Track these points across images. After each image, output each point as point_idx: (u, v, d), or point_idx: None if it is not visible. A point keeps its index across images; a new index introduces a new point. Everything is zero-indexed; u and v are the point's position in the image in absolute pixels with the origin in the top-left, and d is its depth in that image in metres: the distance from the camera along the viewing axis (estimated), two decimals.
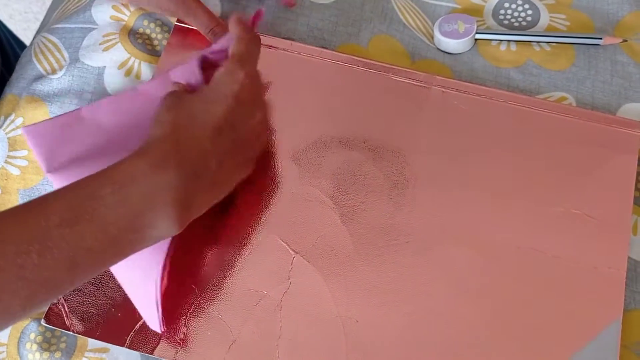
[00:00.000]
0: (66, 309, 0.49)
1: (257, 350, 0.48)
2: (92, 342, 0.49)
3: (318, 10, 0.61)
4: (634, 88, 0.57)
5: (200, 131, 0.43)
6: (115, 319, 0.48)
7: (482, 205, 0.52)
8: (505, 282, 0.49)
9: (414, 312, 0.49)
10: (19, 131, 0.56)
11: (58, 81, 0.58)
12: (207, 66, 0.49)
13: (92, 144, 0.47)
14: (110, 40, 0.59)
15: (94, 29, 0.60)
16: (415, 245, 0.50)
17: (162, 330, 0.47)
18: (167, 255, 0.46)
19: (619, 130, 0.54)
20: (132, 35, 0.59)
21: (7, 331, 0.50)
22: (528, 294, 0.49)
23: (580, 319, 0.48)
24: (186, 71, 0.48)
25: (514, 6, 0.61)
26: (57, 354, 0.49)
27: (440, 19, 0.59)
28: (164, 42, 0.59)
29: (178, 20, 0.59)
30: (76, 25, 0.60)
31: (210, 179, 0.43)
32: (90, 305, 0.49)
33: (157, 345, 0.48)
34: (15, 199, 0.54)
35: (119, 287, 0.49)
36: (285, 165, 0.53)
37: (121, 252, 0.40)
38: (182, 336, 0.48)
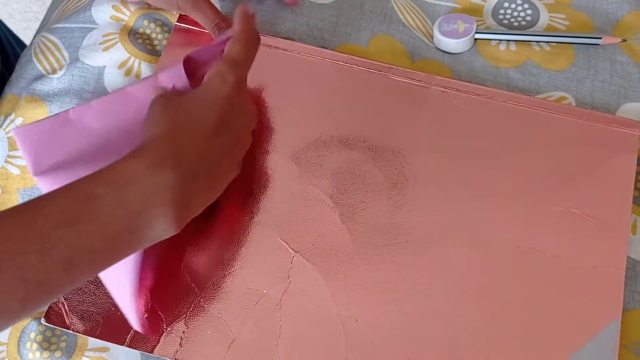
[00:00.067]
0: (66, 308, 0.49)
1: (257, 349, 0.48)
2: (93, 341, 0.49)
3: (318, 10, 0.61)
4: (633, 88, 0.57)
5: (198, 131, 0.43)
6: (115, 318, 0.48)
7: (481, 204, 0.52)
8: (504, 282, 0.49)
9: (413, 311, 0.49)
10: None
11: (58, 81, 0.58)
12: (197, 67, 0.49)
13: (80, 146, 0.47)
14: (110, 40, 0.59)
15: (94, 28, 0.60)
16: (415, 244, 0.50)
17: (142, 329, 0.47)
18: (145, 253, 0.46)
19: (618, 130, 0.54)
20: (132, 35, 0.59)
21: (7, 330, 0.50)
22: (527, 293, 0.49)
23: (580, 318, 0.48)
24: (173, 75, 0.48)
25: (513, 6, 0.61)
26: (58, 353, 0.49)
27: (439, 18, 0.59)
28: (164, 42, 0.59)
29: (179, 20, 0.59)
30: (76, 25, 0.60)
31: (208, 179, 0.43)
32: (90, 304, 0.49)
33: (157, 344, 0.48)
34: (15, 199, 0.54)
35: None
36: (285, 165, 0.53)
37: (119, 252, 0.40)
38: (181, 335, 0.48)
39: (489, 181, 0.52)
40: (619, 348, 0.47)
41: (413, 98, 0.55)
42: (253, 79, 0.56)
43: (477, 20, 0.60)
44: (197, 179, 0.42)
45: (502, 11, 0.61)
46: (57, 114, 0.48)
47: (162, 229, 0.41)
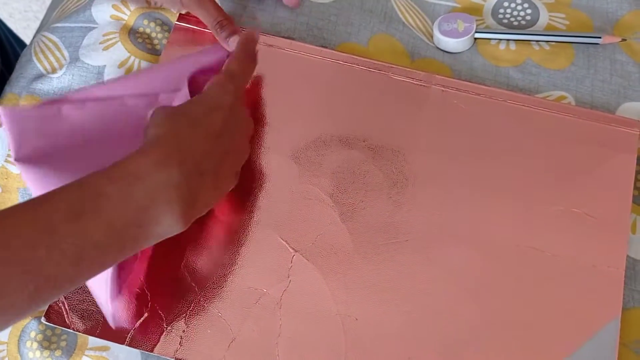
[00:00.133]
0: (66, 307, 0.49)
1: (257, 348, 0.48)
2: (93, 341, 0.49)
3: (318, 9, 0.61)
4: (633, 87, 0.57)
5: (201, 132, 0.44)
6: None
7: (481, 203, 0.52)
8: (504, 281, 0.50)
9: (413, 310, 0.49)
10: None
11: (58, 80, 0.58)
12: (197, 87, 0.49)
13: (67, 142, 0.47)
14: (111, 39, 0.59)
15: (94, 28, 0.60)
16: (415, 243, 0.51)
17: (114, 325, 0.47)
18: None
19: (618, 129, 0.54)
20: (132, 34, 0.59)
21: (7, 329, 0.50)
22: (527, 292, 0.49)
23: (579, 317, 0.48)
24: (175, 97, 0.49)
25: (513, 5, 0.61)
26: (58, 353, 0.49)
27: (439, 18, 0.59)
28: (164, 41, 0.59)
29: (179, 19, 0.59)
30: (76, 25, 0.60)
31: (213, 177, 0.44)
32: (90, 303, 0.49)
33: (157, 343, 0.48)
34: (16, 198, 0.54)
35: None
36: (285, 164, 0.53)
37: (127, 248, 0.40)
38: (181, 334, 0.48)
39: (489, 180, 0.52)
40: (619, 347, 0.47)
41: (413, 97, 0.55)
42: (252, 78, 0.56)
43: (477, 20, 0.60)
44: (203, 176, 0.43)
45: (502, 10, 0.61)
46: (50, 103, 0.48)
47: (169, 225, 0.41)
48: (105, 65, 0.58)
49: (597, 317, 0.48)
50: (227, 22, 0.55)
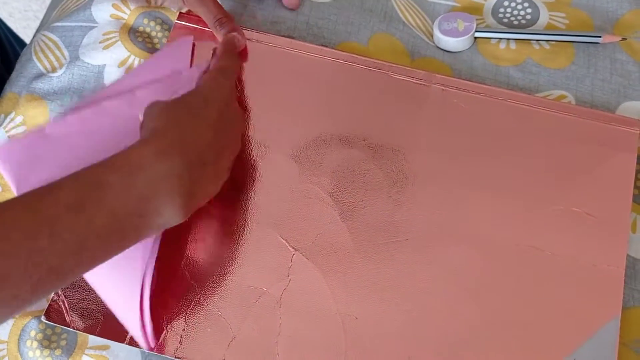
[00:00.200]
0: (66, 306, 0.49)
1: (257, 346, 0.48)
2: (93, 340, 0.49)
3: (318, 8, 0.61)
4: (633, 86, 0.57)
5: (202, 123, 0.44)
6: (115, 316, 0.48)
7: (481, 203, 0.52)
8: (504, 280, 0.50)
9: (413, 309, 0.49)
10: (19, 129, 0.56)
11: (58, 79, 0.58)
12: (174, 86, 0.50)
13: (61, 161, 0.47)
14: (110, 38, 0.59)
15: (94, 27, 0.60)
16: (415, 242, 0.51)
17: (152, 346, 0.47)
18: (148, 272, 0.45)
19: (618, 129, 0.54)
20: (132, 33, 0.59)
21: (7, 329, 0.50)
22: (527, 292, 0.49)
23: (579, 316, 0.48)
24: (152, 92, 0.49)
25: (513, 4, 0.61)
26: (58, 352, 0.49)
27: (439, 17, 0.59)
28: (164, 40, 0.59)
29: (178, 18, 0.59)
30: (76, 24, 0.60)
31: (213, 168, 0.44)
32: (90, 301, 0.49)
33: (157, 341, 0.48)
34: None
35: None
36: (285, 163, 0.53)
37: (128, 238, 0.40)
38: (181, 333, 0.48)
39: (489, 179, 0.52)
40: (619, 346, 0.47)
41: (413, 96, 0.55)
42: (253, 77, 0.56)
43: (477, 19, 0.60)
44: (205, 166, 0.43)
45: (502, 10, 0.61)
46: (33, 130, 0.48)
47: (170, 215, 0.41)
48: (105, 65, 0.58)
49: (597, 316, 0.48)
50: (227, 20, 0.55)
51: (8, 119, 0.57)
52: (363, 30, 0.60)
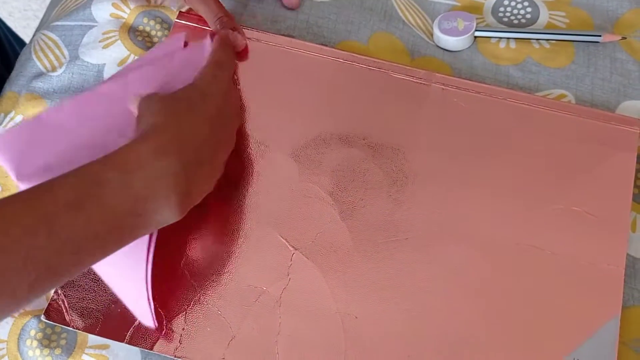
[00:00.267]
0: (66, 305, 0.49)
1: (257, 346, 0.48)
2: (92, 339, 0.49)
3: (318, 7, 0.61)
4: (633, 85, 0.57)
5: (200, 119, 0.44)
6: (115, 315, 0.48)
7: (481, 202, 0.52)
8: (504, 279, 0.50)
9: (413, 308, 0.49)
10: None
11: (58, 78, 0.58)
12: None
13: (59, 148, 0.47)
14: (110, 37, 0.59)
15: (93, 26, 0.60)
16: (415, 241, 0.51)
17: (155, 325, 0.47)
18: (151, 250, 0.46)
19: (618, 128, 0.54)
20: (132, 32, 0.59)
21: (7, 328, 0.50)
22: (527, 291, 0.49)
23: (579, 315, 0.48)
24: (143, 75, 0.49)
25: (513, 3, 0.61)
26: (57, 351, 0.49)
27: (439, 16, 0.59)
28: (164, 39, 0.59)
29: (178, 17, 0.59)
30: (76, 23, 0.60)
31: (209, 166, 0.44)
32: (90, 301, 0.49)
33: (157, 341, 0.48)
34: None
35: None
36: (284, 162, 0.53)
37: (126, 236, 0.40)
38: (181, 332, 0.48)
39: (489, 179, 0.52)
40: (619, 345, 0.47)
41: (413, 96, 0.55)
42: (253, 76, 0.56)
43: (477, 18, 0.60)
44: (201, 165, 0.43)
45: (502, 9, 0.61)
46: (30, 118, 0.49)
47: (167, 214, 0.41)
48: (105, 64, 0.58)
49: (597, 315, 0.48)
50: (228, 19, 0.55)
51: (8, 118, 0.57)
52: (363, 29, 0.60)
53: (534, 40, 0.59)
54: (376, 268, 0.50)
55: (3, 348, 0.50)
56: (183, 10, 0.59)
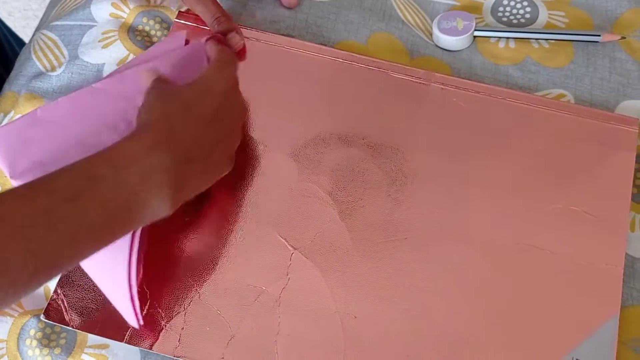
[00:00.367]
0: (65, 305, 0.49)
1: (256, 345, 0.48)
2: (92, 338, 0.50)
3: (317, 7, 0.61)
4: (632, 85, 0.57)
5: (192, 118, 0.45)
6: (114, 315, 0.48)
7: (480, 201, 0.52)
8: (503, 279, 0.50)
9: (412, 308, 0.49)
10: None
11: (57, 78, 0.58)
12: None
13: (54, 144, 0.47)
14: (110, 37, 0.59)
15: (93, 26, 0.60)
16: (414, 241, 0.51)
17: (139, 324, 0.47)
18: (134, 248, 0.46)
19: (617, 127, 0.54)
20: (132, 32, 0.59)
21: (6, 327, 0.50)
22: (526, 291, 0.49)
23: (578, 315, 0.48)
24: (139, 72, 0.49)
25: (512, 3, 0.61)
26: (57, 350, 0.49)
27: (439, 16, 0.59)
28: (163, 39, 0.59)
29: (178, 17, 0.59)
30: (75, 23, 0.60)
31: (201, 164, 0.45)
32: (89, 300, 0.49)
33: (156, 340, 0.48)
34: None
35: None
36: (284, 162, 0.53)
37: (119, 229, 0.41)
38: (180, 331, 0.48)
39: (488, 178, 0.52)
40: (617, 345, 0.47)
41: (412, 95, 0.55)
42: (252, 76, 0.56)
43: (476, 18, 0.60)
44: (191, 162, 0.44)
45: (501, 9, 0.61)
46: (25, 114, 0.49)
47: (158, 208, 0.42)
48: (104, 64, 0.58)
49: (596, 314, 0.48)
50: (225, 19, 0.55)
51: (7, 118, 0.57)
52: (362, 29, 0.60)
53: (533, 40, 0.59)
54: (375, 268, 0.50)
55: (3, 347, 0.50)
56: (182, 10, 0.59)
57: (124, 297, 0.46)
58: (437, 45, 0.59)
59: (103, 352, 0.49)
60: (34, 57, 0.60)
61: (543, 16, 0.60)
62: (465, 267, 0.50)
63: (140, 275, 0.49)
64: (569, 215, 0.51)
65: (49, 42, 0.60)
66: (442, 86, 0.55)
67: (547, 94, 0.57)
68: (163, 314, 0.49)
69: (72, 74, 0.58)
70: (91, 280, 0.49)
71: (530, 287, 0.49)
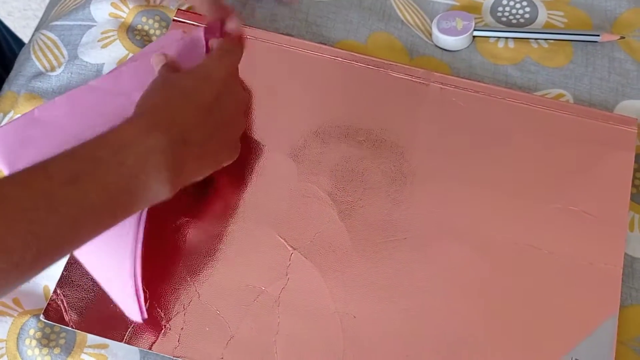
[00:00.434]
0: (65, 305, 0.49)
1: (255, 345, 0.48)
2: (91, 338, 0.50)
3: (316, 6, 0.61)
4: (631, 85, 0.57)
5: (191, 105, 0.45)
6: (114, 315, 0.48)
7: (479, 201, 0.52)
8: (502, 279, 0.50)
9: (411, 308, 0.49)
10: None
11: (57, 78, 0.58)
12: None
13: (52, 143, 0.47)
14: (109, 37, 0.59)
15: (92, 26, 0.60)
16: (413, 241, 0.51)
17: (144, 318, 0.48)
18: (139, 239, 0.46)
19: (616, 127, 0.54)
20: (131, 32, 0.59)
21: (6, 327, 0.50)
22: (525, 290, 0.49)
23: (577, 314, 0.48)
24: (138, 67, 0.49)
25: (512, 3, 0.61)
26: (56, 350, 0.49)
27: (438, 16, 0.59)
28: (160, 37, 0.59)
29: (177, 15, 0.59)
30: (75, 23, 0.60)
31: (199, 150, 0.45)
32: (89, 300, 0.49)
33: (156, 340, 0.48)
34: None
35: None
36: (283, 162, 0.53)
37: (120, 211, 0.41)
38: (180, 331, 0.48)
39: (487, 178, 0.53)
40: (617, 345, 0.47)
41: (412, 95, 0.55)
42: (251, 75, 0.56)
43: (475, 18, 0.60)
44: (188, 145, 0.44)
45: (500, 8, 0.61)
46: (23, 114, 0.49)
47: (158, 189, 0.42)
48: (104, 63, 0.58)
49: (595, 314, 0.48)
50: (220, 7, 0.54)
51: (7, 118, 0.57)
52: (362, 28, 0.60)
53: (533, 40, 0.59)
54: (374, 268, 0.50)
55: (2, 347, 0.50)
56: (183, 8, 0.59)
57: (128, 290, 0.46)
58: (436, 45, 0.59)
59: (102, 352, 0.49)
60: (33, 57, 0.60)
61: (542, 16, 0.60)
62: (465, 267, 0.50)
63: (141, 276, 0.49)
64: (568, 215, 0.51)
65: (49, 42, 0.60)
66: (441, 86, 0.56)
67: (546, 94, 0.57)
68: (162, 314, 0.49)
69: (71, 74, 0.58)
70: (91, 281, 0.49)
71: (530, 287, 0.49)
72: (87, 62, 0.58)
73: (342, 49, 0.57)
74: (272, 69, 0.56)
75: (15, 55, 0.63)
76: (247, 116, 0.53)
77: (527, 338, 0.48)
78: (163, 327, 0.48)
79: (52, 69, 0.59)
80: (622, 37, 0.59)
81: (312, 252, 0.50)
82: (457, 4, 0.61)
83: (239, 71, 0.52)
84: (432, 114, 0.55)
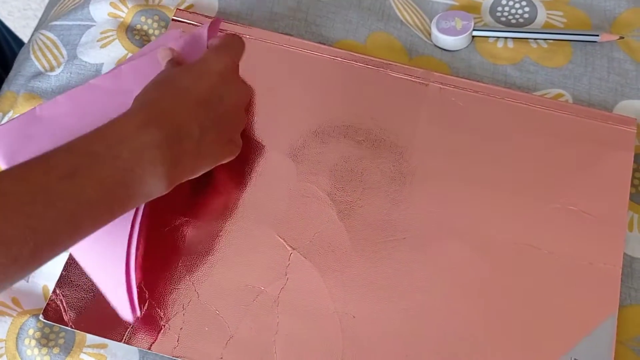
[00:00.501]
0: (64, 305, 0.49)
1: (254, 345, 0.48)
2: (91, 338, 0.50)
3: (316, 6, 0.61)
4: (630, 85, 0.57)
5: (186, 101, 0.45)
6: (113, 315, 0.48)
7: (478, 201, 0.52)
8: (501, 278, 0.50)
9: (411, 308, 0.49)
10: None
11: (56, 78, 0.58)
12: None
13: (52, 142, 0.48)
14: (108, 37, 0.59)
15: (92, 26, 0.60)
16: (412, 241, 0.51)
17: (136, 316, 0.48)
18: (133, 237, 0.46)
19: (615, 127, 0.54)
20: (130, 31, 0.59)
21: (5, 327, 0.50)
22: (524, 290, 0.49)
23: (576, 314, 0.48)
24: (138, 65, 0.50)
25: (511, 3, 0.61)
26: (56, 350, 0.49)
27: (437, 15, 0.59)
28: (159, 36, 0.59)
29: (176, 15, 0.59)
30: (74, 22, 0.60)
31: (195, 145, 0.45)
32: (88, 300, 0.49)
33: (155, 340, 0.48)
34: None
35: None
36: (282, 162, 0.53)
37: (117, 207, 0.41)
38: (179, 331, 0.48)
39: (486, 178, 0.53)
40: (616, 344, 0.48)
41: (411, 95, 0.55)
42: (250, 74, 0.56)
43: (474, 18, 0.60)
44: (184, 140, 0.44)
45: (499, 8, 0.61)
46: (24, 112, 0.49)
47: (154, 184, 0.42)
48: (103, 63, 0.58)
49: (594, 314, 0.48)
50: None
51: (6, 118, 0.57)
52: (361, 28, 0.60)
53: (532, 40, 0.59)
54: (374, 268, 0.50)
55: (2, 347, 0.50)
56: (180, 8, 0.59)
57: (120, 289, 0.46)
58: (435, 45, 0.60)
59: (102, 351, 0.49)
60: (32, 57, 0.60)
61: (541, 16, 0.60)
62: (464, 267, 0.50)
63: (140, 276, 0.49)
64: (567, 215, 0.51)
65: (48, 42, 0.60)
66: (440, 86, 0.56)
67: (546, 94, 0.57)
68: (162, 314, 0.49)
69: (70, 73, 0.58)
70: (90, 281, 0.49)
71: (529, 287, 0.49)
72: (86, 62, 0.58)
73: (341, 49, 0.57)
74: (272, 68, 0.56)
75: (15, 55, 0.63)
76: (248, 112, 0.53)
77: (526, 338, 0.48)
78: (162, 327, 0.48)
79: (52, 68, 0.59)
80: (622, 37, 0.59)
81: (311, 252, 0.50)
82: (457, 3, 0.61)
83: (239, 71, 0.52)
84: (431, 114, 0.55)
